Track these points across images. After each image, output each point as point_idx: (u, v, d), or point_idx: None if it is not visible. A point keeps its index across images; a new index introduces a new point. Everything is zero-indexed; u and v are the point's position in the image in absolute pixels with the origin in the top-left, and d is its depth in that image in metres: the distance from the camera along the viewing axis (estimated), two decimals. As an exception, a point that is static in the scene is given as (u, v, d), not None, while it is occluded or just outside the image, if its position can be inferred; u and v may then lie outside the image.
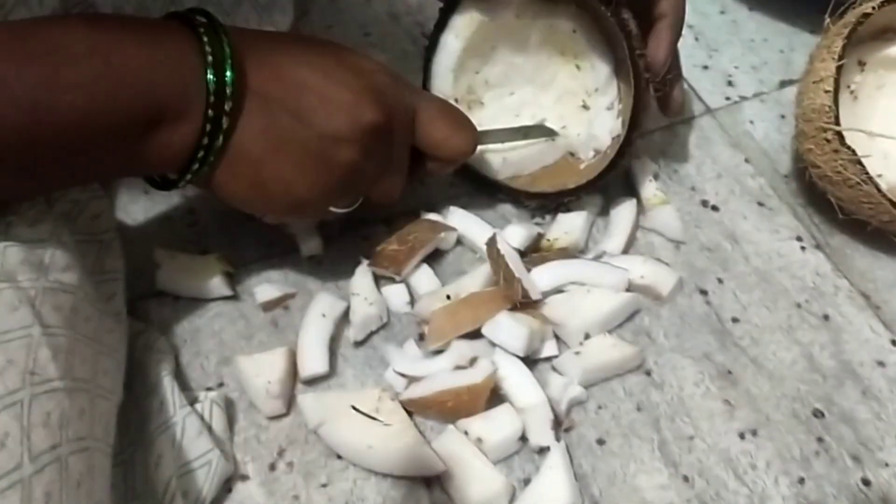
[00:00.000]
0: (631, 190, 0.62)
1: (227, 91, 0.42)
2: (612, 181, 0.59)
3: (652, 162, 0.63)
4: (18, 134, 0.37)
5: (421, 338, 0.54)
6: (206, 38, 0.42)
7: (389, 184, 0.51)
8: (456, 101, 0.59)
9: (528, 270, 0.54)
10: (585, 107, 0.59)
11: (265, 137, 0.44)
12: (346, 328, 0.54)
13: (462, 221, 0.58)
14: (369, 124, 0.46)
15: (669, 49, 0.54)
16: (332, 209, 0.50)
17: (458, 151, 0.52)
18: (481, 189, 0.60)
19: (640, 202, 0.60)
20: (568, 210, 0.59)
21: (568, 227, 0.58)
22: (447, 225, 0.58)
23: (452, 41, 0.57)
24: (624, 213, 0.59)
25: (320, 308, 0.54)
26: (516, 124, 0.60)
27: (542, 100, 0.61)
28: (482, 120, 0.59)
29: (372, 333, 0.54)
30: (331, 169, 0.46)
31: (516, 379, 0.50)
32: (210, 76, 0.42)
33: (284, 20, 0.68)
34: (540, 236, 0.58)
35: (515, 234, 0.57)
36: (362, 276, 0.55)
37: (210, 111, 0.42)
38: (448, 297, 0.54)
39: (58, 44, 0.38)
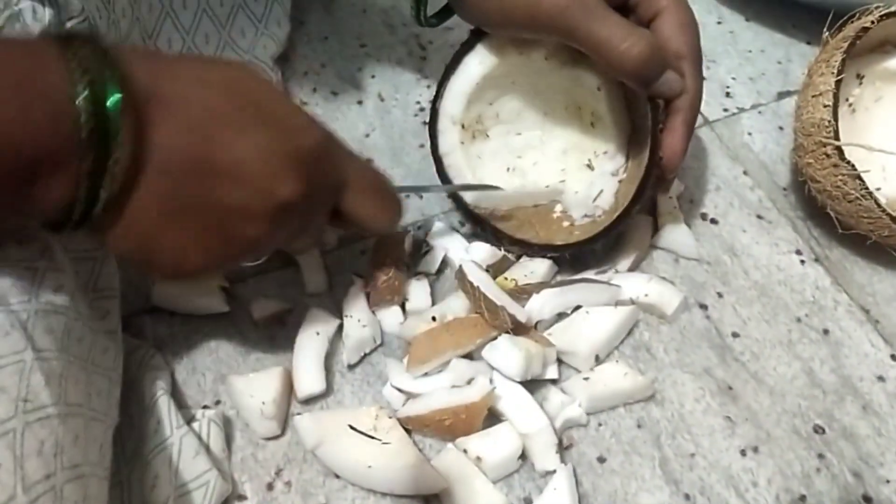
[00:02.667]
0: (645, 205, 0.60)
1: (114, 115, 0.35)
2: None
3: (677, 180, 0.61)
4: None
5: (412, 360, 0.53)
6: (77, 58, 0.35)
7: (300, 244, 0.48)
8: (462, 126, 0.57)
9: (525, 298, 0.53)
10: (590, 167, 0.58)
11: (159, 201, 0.38)
12: (342, 344, 0.54)
13: (444, 240, 0.58)
14: (284, 201, 0.40)
15: (685, 147, 0.52)
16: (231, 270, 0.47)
17: (381, 228, 0.49)
18: (463, 216, 0.59)
19: (654, 219, 0.60)
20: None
21: (529, 271, 0.56)
22: (403, 235, 0.56)
23: (475, 66, 0.55)
24: (637, 231, 0.58)
25: (314, 326, 0.53)
26: (512, 166, 0.59)
27: (547, 147, 0.59)
28: (483, 153, 0.58)
29: (366, 355, 0.54)
30: (231, 243, 0.41)
31: (516, 402, 0.49)
32: (84, 98, 0.34)
33: (281, 31, 0.68)
34: (505, 258, 0.57)
35: (480, 253, 0.56)
36: (355, 297, 0.55)
37: (85, 169, 0.35)
38: (434, 318, 0.53)
39: None
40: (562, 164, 0.59)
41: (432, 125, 0.57)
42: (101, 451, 0.40)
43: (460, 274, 0.53)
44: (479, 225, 0.57)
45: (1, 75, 0.34)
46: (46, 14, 0.54)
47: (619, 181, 0.56)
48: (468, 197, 0.57)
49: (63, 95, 0.34)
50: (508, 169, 0.60)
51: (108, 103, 0.35)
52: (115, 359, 0.46)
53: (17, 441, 0.34)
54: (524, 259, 0.57)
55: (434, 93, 0.57)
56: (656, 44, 0.50)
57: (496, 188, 0.57)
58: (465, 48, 0.56)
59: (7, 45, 0.37)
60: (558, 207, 0.58)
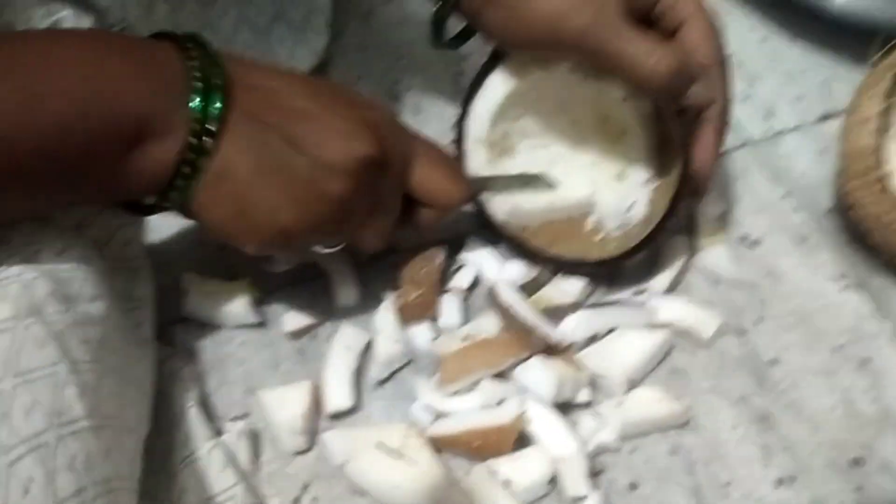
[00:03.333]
0: (684, 227, 0.60)
1: (215, 112, 0.41)
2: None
3: (719, 200, 0.61)
4: None
5: (443, 377, 0.53)
6: (196, 62, 0.41)
7: (377, 228, 0.48)
8: (489, 146, 0.56)
9: (558, 317, 0.53)
10: (621, 178, 0.57)
11: (253, 160, 0.42)
12: (372, 359, 0.53)
13: (478, 257, 0.57)
14: (364, 157, 0.44)
15: (715, 157, 0.52)
16: (315, 248, 0.48)
17: (453, 201, 0.50)
18: (494, 234, 0.58)
19: (693, 240, 0.59)
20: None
21: (562, 290, 0.55)
22: (437, 251, 0.56)
23: (499, 85, 0.55)
24: (675, 252, 0.57)
25: (344, 341, 0.53)
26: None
27: (576, 160, 0.58)
28: (511, 169, 0.57)
29: (395, 371, 0.53)
30: (320, 200, 0.43)
31: (548, 426, 0.49)
32: (197, 101, 0.41)
33: (319, 41, 0.68)
34: (538, 277, 0.56)
35: (513, 271, 0.55)
36: (385, 312, 0.54)
37: (193, 132, 0.41)
38: (465, 336, 0.53)
39: (45, 51, 0.38)
40: (592, 176, 0.58)
41: (459, 146, 0.56)
42: (131, 463, 0.40)
43: (492, 293, 0.52)
44: (510, 242, 0.57)
45: (126, 55, 0.40)
46: (87, 21, 0.54)
47: (652, 191, 0.55)
48: (498, 214, 0.57)
49: (177, 73, 0.41)
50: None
51: (213, 103, 0.41)
52: (147, 369, 0.46)
53: (49, 455, 0.33)
54: (558, 278, 0.56)
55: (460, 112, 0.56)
56: (684, 56, 0.49)
57: (537, 178, 0.56)
58: (487, 67, 0.55)
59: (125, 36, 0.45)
60: (591, 220, 0.57)
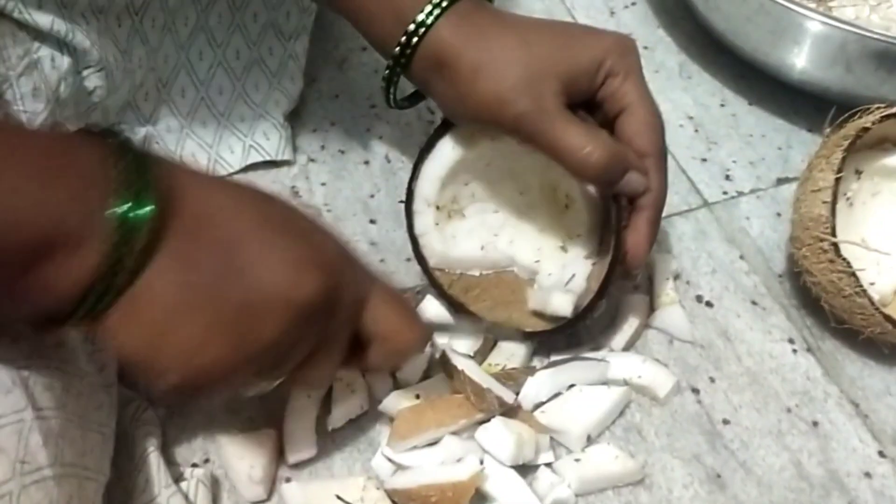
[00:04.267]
0: (642, 287, 0.62)
1: (143, 227, 0.35)
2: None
3: (673, 259, 0.63)
4: None
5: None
6: (124, 164, 0.36)
7: (319, 369, 0.43)
8: (437, 208, 0.58)
9: (512, 379, 0.54)
10: (564, 249, 0.58)
11: (179, 285, 0.37)
12: (330, 407, 0.54)
13: (433, 316, 0.58)
14: (306, 300, 0.39)
15: (649, 245, 0.53)
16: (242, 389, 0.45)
17: (409, 347, 0.47)
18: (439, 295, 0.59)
19: (651, 299, 0.61)
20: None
21: (509, 354, 0.56)
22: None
23: (449, 150, 0.56)
24: (633, 310, 0.59)
25: (305, 388, 0.53)
26: (487, 243, 0.59)
27: (524, 227, 0.60)
28: (459, 232, 0.59)
29: (351, 420, 0.54)
30: (248, 341, 0.38)
31: (505, 483, 0.49)
32: (123, 208, 0.35)
33: (294, 87, 0.69)
34: (486, 341, 0.57)
35: (465, 343, 0.56)
36: None
37: (113, 243, 0.35)
38: (417, 396, 0.53)
39: None
40: (538, 243, 0.60)
41: (408, 206, 0.58)
42: (91, 512, 0.39)
43: (443, 359, 0.53)
44: (454, 307, 0.58)
45: (36, 154, 0.35)
46: (65, 62, 0.55)
47: (593, 264, 0.57)
48: (440, 274, 0.58)
49: (95, 192, 0.35)
50: (483, 247, 0.60)
51: (140, 213, 0.35)
52: (110, 414, 0.46)
53: None
54: (502, 343, 0.57)
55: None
56: (616, 148, 0.51)
57: (493, 326, 0.57)
58: (439, 133, 0.57)
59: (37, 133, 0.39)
60: (533, 288, 0.58)
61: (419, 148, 0.58)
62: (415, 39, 0.51)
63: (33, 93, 0.53)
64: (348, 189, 0.68)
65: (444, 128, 0.57)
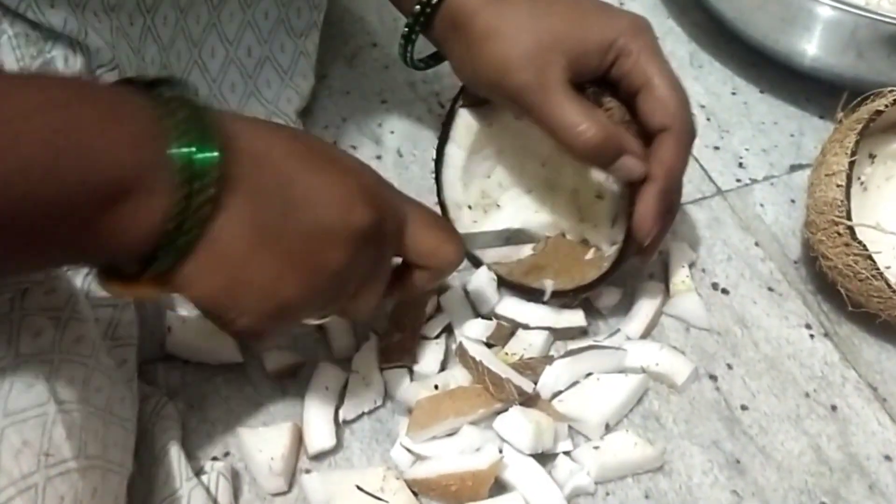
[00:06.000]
0: (657, 275, 0.62)
1: (210, 172, 0.36)
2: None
3: (688, 247, 0.63)
4: None
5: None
6: (185, 112, 0.37)
7: (368, 296, 0.45)
8: (470, 207, 0.59)
9: (530, 369, 0.54)
10: (600, 196, 0.59)
11: (249, 226, 0.38)
12: (347, 399, 0.54)
13: (452, 308, 0.58)
14: (361, 228, 0.41)
15: (655, 220, 0.52)
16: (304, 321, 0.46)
17: (448, 262, 0.48)
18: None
19: (666, 286, 0.61)
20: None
21: (526, 344, 0.56)
22: (427, 297, 0.57)
23: (456, 151, 0.59)
24: (649, 297, 0.59)
25: (323, 380, 0.54)
26: (537, 229, 0.60)
27: (557, 195, 0.61)
28: (500, 222, 0.60)
29: (372, 411, 0.54)
30: (318, 271, 0.41)
31: (524, 472, 0.49)
32: (190, 151, 0.36)
33: (305, 84, 0.69)
34: (500, 328, 0.57)
35: (477, 329, 0.56)
36: (367, 352, 0.55)
37: (182, 189, 0.36)
38: (436, 386, 0.53)
39: (9, 94, 0.34)
40: (576, 203, 0.60)
41: (444, 216, 0.59)
42: (116, 503, 0.40)
43: (460, 350, 0.53)
44: (523, 292, 0.58)
45: (103, 103, 0.35)
46: (78, 61, 0.55)
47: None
48: (498, 267, 0.59)
49: (162, 139, 0.36)
50: (527, 226, 0.61)
51: (205, 157, 0.36)
52: (131, 408, 0.46)
53: (38, 497, 0.34)
54: (519, 332, 0.57)
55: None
56: (611, 130, 0.51)
57: (521, 231, 0.59)
58: (442, 141, 0.59)
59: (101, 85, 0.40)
60: (588, 248, 0.59)
61: (434, 147, 0.60)
62: None
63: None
64: (361, 184, 0.68)
65: (445, 136, 0.59)
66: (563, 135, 0.51)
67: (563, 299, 0.57)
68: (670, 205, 0.54)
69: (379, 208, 0.43)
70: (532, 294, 0.58)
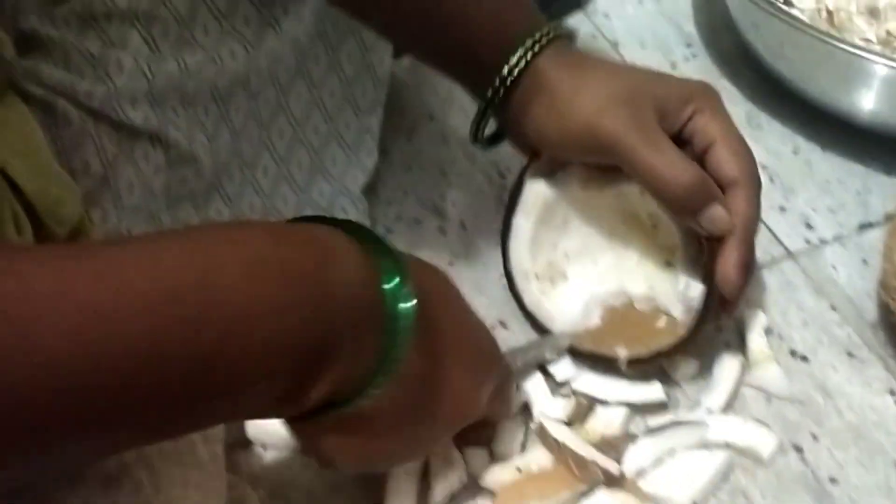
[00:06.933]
0: (733, 344, 0.61)
1: (410, 319, 0.36)
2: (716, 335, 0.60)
3: (763, 314, 0.62)
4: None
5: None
6: (374, 253, 0.37)
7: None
8: (536, 276, 0.60)
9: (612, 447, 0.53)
10: (670, 263, 0.58)
11: (398, 408, 0.40)
12: (429, 482, 0.54)
13: (528, 384, 0.57)
14: (473, 415, 0.47)
15: (739, 271, 0.52)
16: None
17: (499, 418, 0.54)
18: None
19: (745, 356, 0.60)
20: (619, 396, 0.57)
21: (606, 421, 0.55)
22: None
23: (523, 222, 0.59)
24: (728, 367, 0.58)
25: (401, 465, 0.53)
26: (607, 300, 0.60)
27: (625, 264, 0.60)
28: (567, 292, 0.60)
29: (453, 496, 0.53)
30: (419, 449, 0.48)
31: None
32: (397, 305, 0.36)
33: (370, 160, 0.70)
34: (579, 406, 0.56)
35: (556, 407, 0.56)
36: None
37: (389, 336, 0.36)
38: (518, 469, 0.53)
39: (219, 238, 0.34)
40: (643, 272, 0.60)
41: (512, 289, 0.60)
42: None
43: (540, 430, 0.53)
44: (595, 362, 0.58)
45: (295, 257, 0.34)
46: (159, 156, 0.56)
47: (703, 266, 0.56)
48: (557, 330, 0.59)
49: (371, 292, 0.36)
50: (596, 299, 0.60)
51: (407, 305, 0.37)
52: (223, 499, 0.46)
53: None
54: (600, 408, 0.56)
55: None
56: (704, 175, 0.52)
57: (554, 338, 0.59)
58: (509, 211, 0.60)
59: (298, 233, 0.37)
60: (658, 311, 0.58)
61: (496, 217, 0.60)
62: (516, 70, 0.53)
63: (129, 188, 0.54)
64: (428, 258, 0.68)
65: (512, 206, 0.59)
66: (659, 178, 0.51)
67: (640, 367, 0.57)
68: (751, 257, 0.54)
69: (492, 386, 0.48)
70: (606, 363, 0.57)
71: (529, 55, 0.53)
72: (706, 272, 0.53)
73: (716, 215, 0.52)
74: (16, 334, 0.25)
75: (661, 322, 0.58)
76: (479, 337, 0.48)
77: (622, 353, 0.57)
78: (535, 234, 0.59)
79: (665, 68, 0.84)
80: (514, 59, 0.53)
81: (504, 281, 0.61)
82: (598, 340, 0.58)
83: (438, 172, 0.74)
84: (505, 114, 0.57)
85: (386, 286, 0.36)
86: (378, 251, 0.37)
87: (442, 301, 0.43)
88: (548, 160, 0.58)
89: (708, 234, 0.53)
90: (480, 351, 0.47)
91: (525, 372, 0.57)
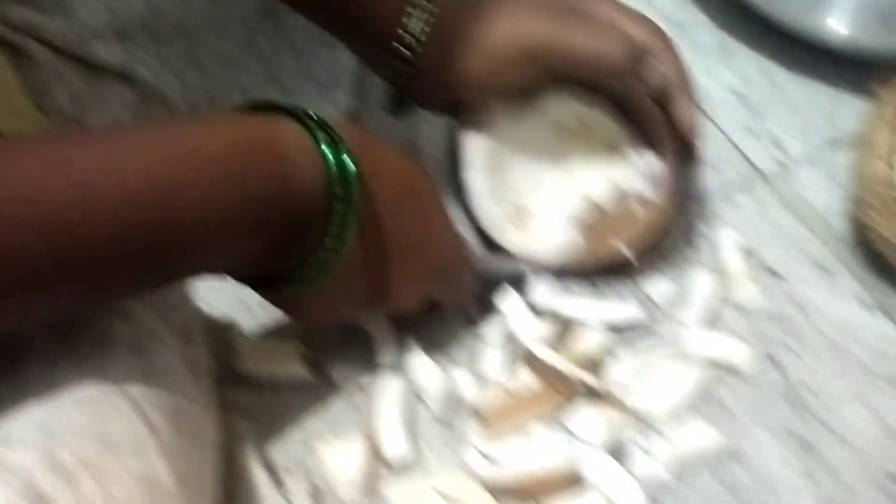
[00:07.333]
0: (709, 264, 0.62)
1: (354, 187, 0.42)
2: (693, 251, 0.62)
3: (737, 234, 0.63)
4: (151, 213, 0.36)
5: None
6: (316, 129, 0.42)
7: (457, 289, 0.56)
8: (509, 223, 0.59)
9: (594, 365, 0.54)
10: (616, 151, 0.60)
11: (384, 244, 0.46)
12: (420, 408, 0.55)
13: (509, 310, 0.58)
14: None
15: (692, 112, 0.56)
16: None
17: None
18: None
19: (719, 273, 0.61)
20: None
21: (587, 341, 0.56)
22: None
23: (477, 176, 0.58)
24: (703, 284, 0.59)
25: (392, 391, 0.54)
26: (565, 227, 0.60)
27: (577, 173, 0.61)
28: (541, 226, 0.59)
29: (438, 419, 0.54)
30: (430, 270, 0.51)
31: (603, 468, 0.50)
32: (334, 165, 0.42)
33: (344, 97, 0.69)
34: (559, 325, 0.57)
35: (537, 328, 0.56)
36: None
37: (334, 203, 0.42)
38: (503, 389, 0.54)
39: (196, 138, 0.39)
40: (597, 171, 0.60)
41: (491, 244, 0.59)
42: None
43: (523, 350, 0.54)
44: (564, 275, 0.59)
45: (258, 144, 0.41)
46: (129, 94, 0.56)
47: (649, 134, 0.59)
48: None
49: (317, 161, 0.42)
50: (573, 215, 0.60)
51: (351, 173, 0.42)
52: (217, 430, 0.47)
53: None
54: (578, 330, 0.57)
55: None
56: (629, 34, 0.54)
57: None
58: (456, 169, 0.58)
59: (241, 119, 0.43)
60: (635, 204, 0.59)
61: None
62: (426, 27, 0.52)
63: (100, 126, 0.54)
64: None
65: (455, 164, 0.58)
66: (594, 49, 0.53)
67: (649, 256, 0.59)
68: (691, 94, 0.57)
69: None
70: (617, 272, 0.59)
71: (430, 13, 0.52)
72: (655, 137, 0.56)
73: (652, 62, 0.54)
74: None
75: (640, 208, 0.59)
76: (440, 234, 0.52)
77: (627, 252, 0.58)
78: (491, 184, 0.58)
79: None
80: (414, 22, 0.52)
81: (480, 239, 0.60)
82: (595, 255, 0.59)
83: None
84: (419, 76, 0.54)
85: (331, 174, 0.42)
86: (320, 136, 0.42)
87: (403, 187, 0.48)
88: (469, 110, 0.57)
89: (651, 89, 0.55)
90: (436, 246, 0.51)
91: (498, 284, 0.58)
